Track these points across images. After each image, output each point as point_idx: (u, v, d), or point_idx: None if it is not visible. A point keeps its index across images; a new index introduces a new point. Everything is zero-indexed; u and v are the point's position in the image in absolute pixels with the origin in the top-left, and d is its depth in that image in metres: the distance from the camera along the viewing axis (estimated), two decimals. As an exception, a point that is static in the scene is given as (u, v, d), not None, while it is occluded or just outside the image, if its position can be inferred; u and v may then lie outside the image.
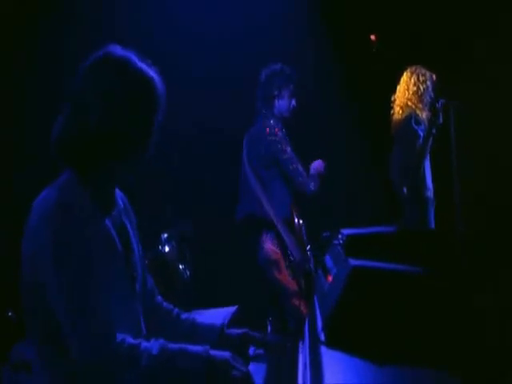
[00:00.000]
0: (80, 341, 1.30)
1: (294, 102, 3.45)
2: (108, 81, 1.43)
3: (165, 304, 1.76)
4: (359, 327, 1.04)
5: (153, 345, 1.36)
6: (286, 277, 3.21)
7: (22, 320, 1.44)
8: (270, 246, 3.25)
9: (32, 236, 1.38)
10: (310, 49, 4.68)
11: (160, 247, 3.32)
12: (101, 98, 1.41)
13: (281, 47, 4.29)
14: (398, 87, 3.91)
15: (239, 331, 1.70)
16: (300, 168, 3.30)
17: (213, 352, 1.39)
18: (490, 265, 1.32)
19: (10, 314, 2.86)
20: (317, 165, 3.42)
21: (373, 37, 3.62)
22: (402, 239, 1.40)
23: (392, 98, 3.91)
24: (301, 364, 1.31)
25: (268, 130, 3.29)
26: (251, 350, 1.67)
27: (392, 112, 3.90)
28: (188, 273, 3.48)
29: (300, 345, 1.47)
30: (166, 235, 3.36)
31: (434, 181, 3.82)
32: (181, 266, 3.43)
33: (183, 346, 1.40)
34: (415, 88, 3.81)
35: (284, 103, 3.43)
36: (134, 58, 1.48)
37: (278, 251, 3.24)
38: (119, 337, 1.33)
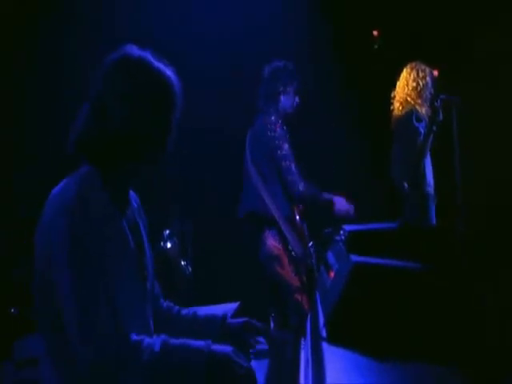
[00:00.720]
0: (85, 340, 1.29)
1: (297, 99, 3.45)
2: (127, 83, 1.43)
3: (165, 303, 1.76)
4: (361, 323, 1.04)
5: (155, 341, 1.36)
6: (288, 272, 3.21)
7: (24, 317, 1.44)
8: (272, 242, 3.25)
9: (47, 226, 1.37)
10: (310, 49, 4.68)
11: (162, 243, 3.32)
12: (120, 100, 1.41)
13: (281, 47, 4.29)
14: (398, 83, 3.92)
15: (240, 320, 1.70)
16: (293, 167, 3.25)
17: (214, 347, 1.38)
18: (489, 265, 1.32)
19: (12, 310, 2.87)
20: (342, 205, 3.31)
21: (375, 32, 3.62)
22: (404, 235, 1.40)
23: (392, 95, 3.92)
24: (302, 360, 1.31)
25: (268, 126, 3.29)
26: (253, 348, 1.67)
27: (392, 108, 3.90)
28: (190, 269, 3.49)
29: (302, 341, 1.47)
30: (168, 232, 3.37)
31: (435, 179, 3.82)
32: (183, 263, 3.44)
33: (185, 341, 1.40)
34: (415, 84, 3.82)
35: (289, 99, 3.43)
36: (151, 59, 1.48)
37: (280, 247, 3.24)
38: (123, 334, 1.33)
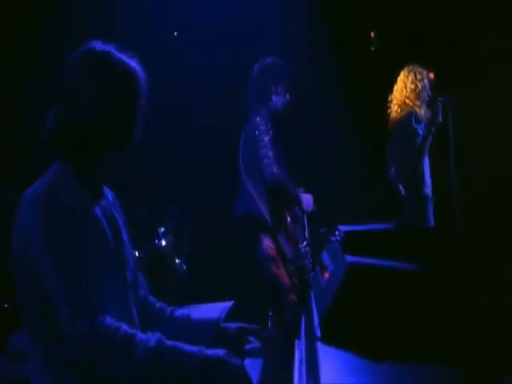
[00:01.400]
0: (78, 316, 1.30)
1: (288, 97, 3.44)
2: (94, 75, 1.48)
3: (158, 304, 1.76)
4: (355, 324, 1.04)
5: (149, 338, 1.37)
6: (283, 272, 3.23)
7: (18, 311, 1.45)
8: (267, 243, 3.26)
9: (22, 225, 1.41)
10: (310, 49, 4.68)
11: (157, 241, 3.32)
12: (89, 91, 1.46)
13: (281, 47, 4.29)
14: (395, 86, 3.93)
15: (234, 325, 1.70)
16: (270, 153, 3.20)
17: (207, 351, 1.40)
18: (489, 264, 1.32)
19: (6, 305, 2.87)
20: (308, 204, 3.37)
21: (372, 34, 3.63)
22: (400, 236, 1.40)
23: (389, 98, 3.93)
24: (297, 360, 1.31)
25: (255, 126, 3.28)
26: (247, 346, 1.67)
27: (389, 111, 3.91)
28: (184, 267, 3.49)
29: (296, 340, 1.47)
30: (162, 229, 3.36)
31: (432, 180, 3.83)
32: (177, 261, 3.44)
33: (179, 344, 1.40)
34: (413, 86, 3.83)
35: (280, 98, 3.42)
36: (115, 51, 1.52)
37: (274, 248, 3.26)
38: (115, 324, 1.34)
